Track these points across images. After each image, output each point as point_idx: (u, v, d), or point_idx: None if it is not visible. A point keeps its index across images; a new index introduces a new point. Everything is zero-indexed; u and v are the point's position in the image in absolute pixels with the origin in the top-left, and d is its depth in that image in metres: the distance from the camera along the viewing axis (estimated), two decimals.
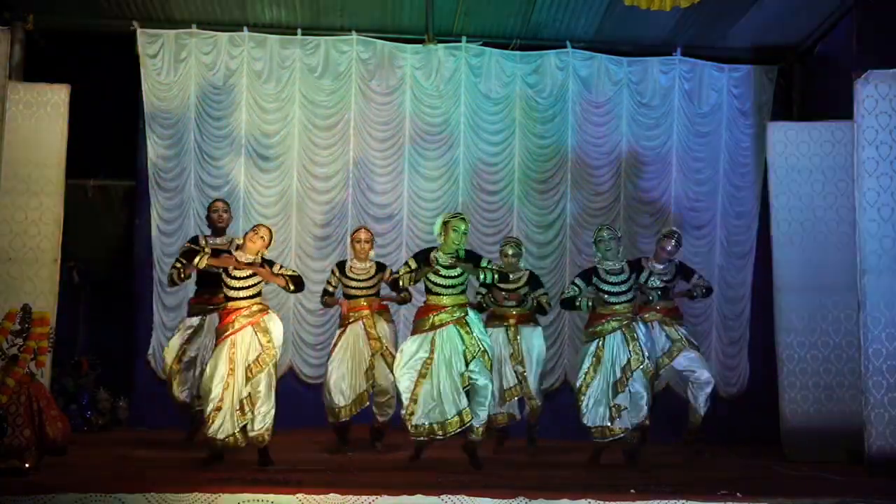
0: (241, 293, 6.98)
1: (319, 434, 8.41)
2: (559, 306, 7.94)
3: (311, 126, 10.28)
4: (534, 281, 8.30)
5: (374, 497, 5.40)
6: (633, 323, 7.46)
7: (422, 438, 7.02)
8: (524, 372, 8.17)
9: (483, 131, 10.42)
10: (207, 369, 6.96)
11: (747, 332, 10.36)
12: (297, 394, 9.72)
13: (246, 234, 7.17)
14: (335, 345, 8.01)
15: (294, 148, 10.24)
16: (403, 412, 6.99)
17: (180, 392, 8.08)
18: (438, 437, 6.99)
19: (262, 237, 7.09)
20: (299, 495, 5.37)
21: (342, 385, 7.90)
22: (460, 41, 10.38)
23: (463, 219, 7.13)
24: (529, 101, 10.47)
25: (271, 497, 5.37)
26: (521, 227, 10.33)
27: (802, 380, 8.66)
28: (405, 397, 6.96)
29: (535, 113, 10.47)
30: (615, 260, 7.58)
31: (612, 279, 7.51)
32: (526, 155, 10.43)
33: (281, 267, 7.17)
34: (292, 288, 7.15)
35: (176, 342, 8.10)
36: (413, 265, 7.13)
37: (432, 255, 7.11)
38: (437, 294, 7.08)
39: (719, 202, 10.51)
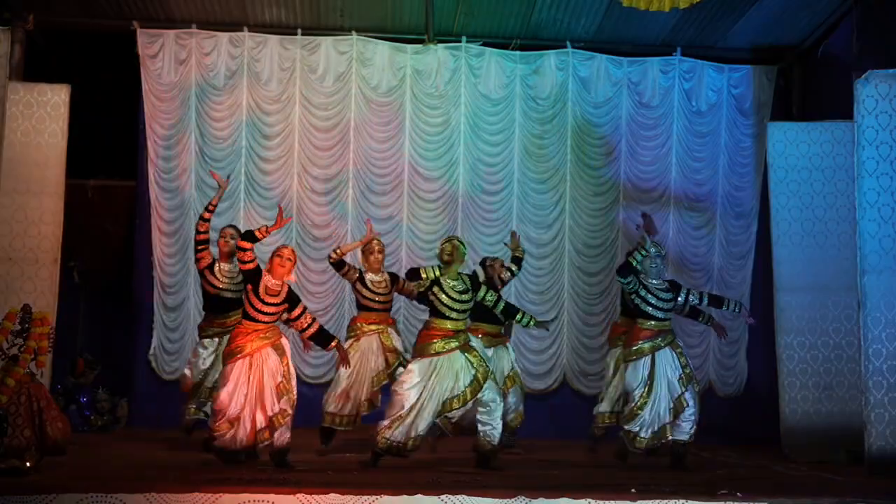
0: (266, 318, 6.84)
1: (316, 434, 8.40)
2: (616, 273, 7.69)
3: (312, 127, 10.27)
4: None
5: (374, 497, 5.40)
6: (677, 339, 7.43)
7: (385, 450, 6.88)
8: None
9: (483, 131, 10.41)
10: (224, 388, 6.76)
11: (746, 332, 10.34)
12: (299, 394, 9.65)
13: (271, 258, 6.82)
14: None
15: (294, 149, 10.24)
16: (385, 423, 6.86)
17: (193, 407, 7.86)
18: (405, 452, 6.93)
19: (289, 259, 6.84)
20: (299, 495, 5.37)
21: (350, 393, 7.83)
22: (460, 41, 10.37)
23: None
24: (529, 101, 10.46)
25: (271, 497, 5.36)
26: (521, 228, 10.32)
27: (802, 380, 8.67)
28: (399, 414, 6.82)
29: (534, 113, 10.46)
30: (658, 279, 7.39)
31: (661, 294, 7.35)
32: (525, 155, 10.42)
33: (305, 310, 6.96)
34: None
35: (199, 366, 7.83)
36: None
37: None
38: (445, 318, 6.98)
39: (719, 202, 10.51)
